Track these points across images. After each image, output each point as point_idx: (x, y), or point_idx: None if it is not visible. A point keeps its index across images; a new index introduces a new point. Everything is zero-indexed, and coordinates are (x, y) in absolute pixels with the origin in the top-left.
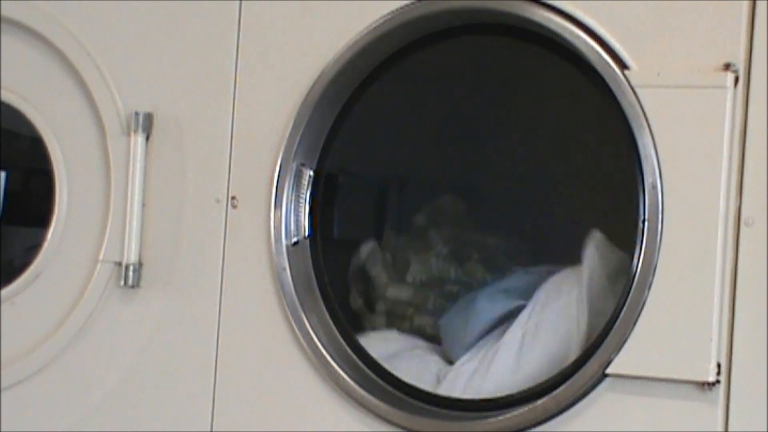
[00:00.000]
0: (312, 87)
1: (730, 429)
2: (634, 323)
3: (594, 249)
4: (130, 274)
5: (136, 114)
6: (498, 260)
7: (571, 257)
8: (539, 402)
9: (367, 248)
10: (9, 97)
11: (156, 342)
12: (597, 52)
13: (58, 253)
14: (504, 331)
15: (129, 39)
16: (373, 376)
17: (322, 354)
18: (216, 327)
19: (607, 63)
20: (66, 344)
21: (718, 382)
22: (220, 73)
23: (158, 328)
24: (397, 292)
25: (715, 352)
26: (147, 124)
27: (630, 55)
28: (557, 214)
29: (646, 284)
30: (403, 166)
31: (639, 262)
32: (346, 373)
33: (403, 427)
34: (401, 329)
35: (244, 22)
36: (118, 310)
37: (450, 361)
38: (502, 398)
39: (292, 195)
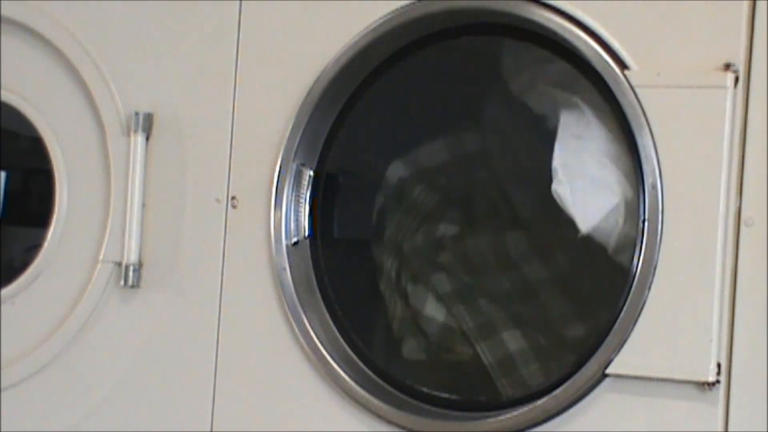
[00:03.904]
0: (312, 87)
1: (730, 429)
2: (634, 323)
3: None
4: (130, 274)
5: (136, 114)
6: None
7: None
8: (539, 402)
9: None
10: (9, 97)
11: (156, 342)
12: (597, 52)
13: (58, 253)
14: None
15: (129, 39)
16: (373, 376)
17: (322, 354)
18: (216, 327)
19: (607, 63)
20: (66, 344)
21: (718, 382)
22: (220, 73)
23: (158, 328)
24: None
25: (715, 352)
26: (147, 124)
27: (630, 55)
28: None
29: (646, 284)
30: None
31: (639, 262)
32: (346, 373)
33: (403, 427)
34: None
35: (244, 22)
36: (118, 310)
37: None
38: (502, 398)
39: (292, 195)
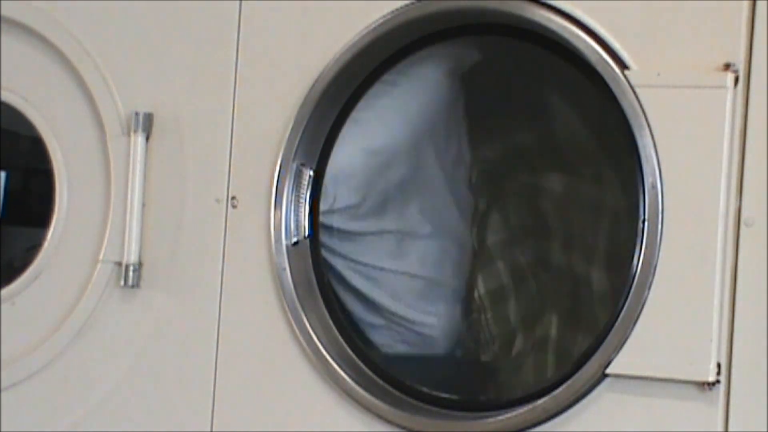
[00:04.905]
0: (312, 87)
1: (730, 429)
2: (634, 323)
3: None
4: (130, 274)
5: (136, 114)
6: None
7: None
8: (539, 402)
9: None
10: (9, 97)
11: (156, 342)
12: (597, 52)
13: (58, 253)
14: None
15: (129, 39)
16: (373, 376)
17: (322, 354)
18: (216, 327)
19: (607, 63)
20: (66, 344)
21: (718, 382)
22: (220, 73)
23: (158, 328)
24: None
25: (715, 352)
26: (147, 124)
27: (630, 55)
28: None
29: (646, 284)
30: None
31: (639, 262)
32: (346, 373)
33: (403, 427)
34: None
35: (244, 22)
36: (118, 310)
37: None
38: (502, 398)
39: (292, 195)
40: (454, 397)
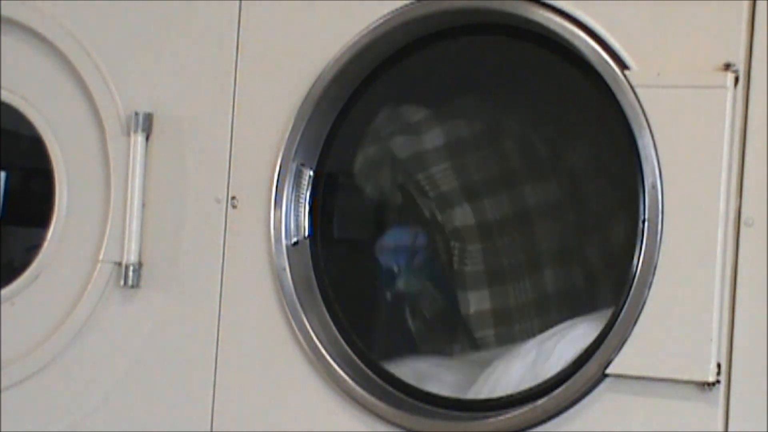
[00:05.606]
0: (312, 87)
1: (730, 429)
2: (634, 323)
3: None
4: (130, 274)
5: (136, 114)
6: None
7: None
8: (539, 402)
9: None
10: (9, 97)
11: (156, 342)
12: (597, 52)
13: (58, 253)
14: None
15: (129, 39)
16: (373, 376)
17: (322, 354)
18: (216, 327)
19: (607, 63)
20: (66, 344)
21: (718, 382)
22: (220, 73)
23: (158, 328)
24: None
25: (715, 352)
26: (147, 124)
27: (630, 55)
28: (557, 214)
29: (646, 284)
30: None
31: (639, 262)
32: (346, 373)
33: (403, 427)
34: None
35: (244, 22)
36: (118, 310)
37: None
38: (502, 398)
39: (292, 195)
40: (454, 397)
